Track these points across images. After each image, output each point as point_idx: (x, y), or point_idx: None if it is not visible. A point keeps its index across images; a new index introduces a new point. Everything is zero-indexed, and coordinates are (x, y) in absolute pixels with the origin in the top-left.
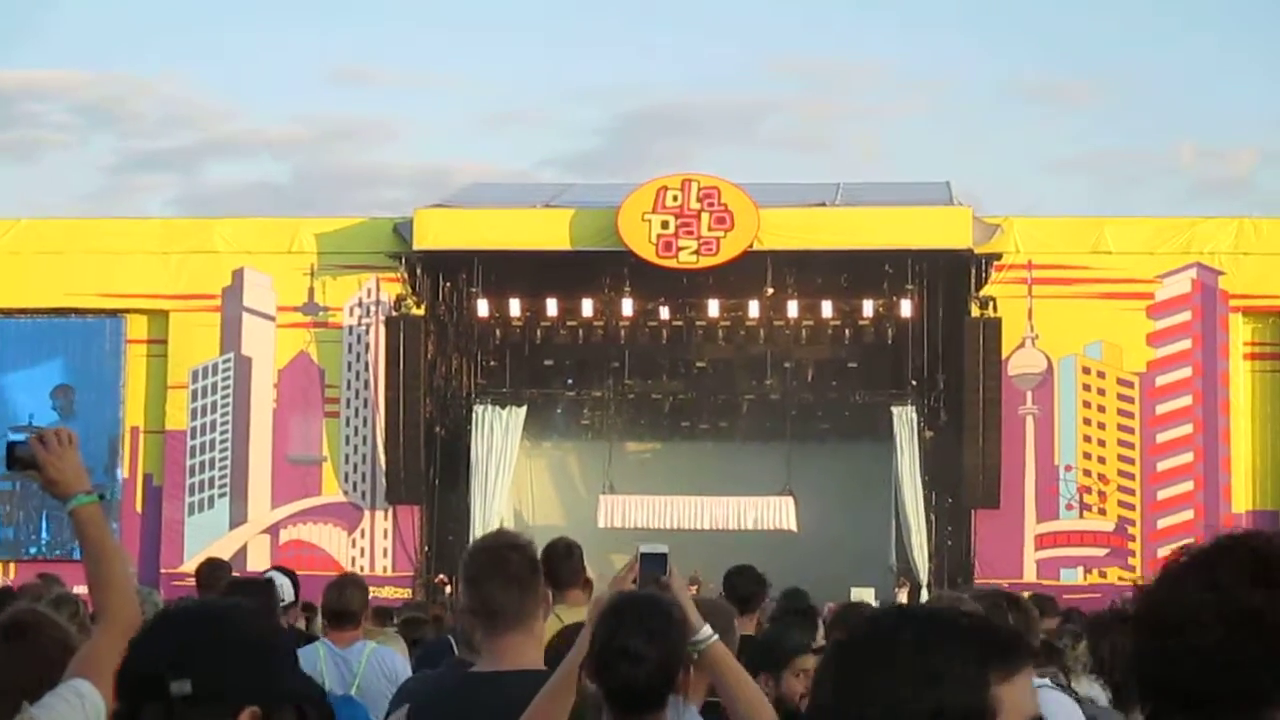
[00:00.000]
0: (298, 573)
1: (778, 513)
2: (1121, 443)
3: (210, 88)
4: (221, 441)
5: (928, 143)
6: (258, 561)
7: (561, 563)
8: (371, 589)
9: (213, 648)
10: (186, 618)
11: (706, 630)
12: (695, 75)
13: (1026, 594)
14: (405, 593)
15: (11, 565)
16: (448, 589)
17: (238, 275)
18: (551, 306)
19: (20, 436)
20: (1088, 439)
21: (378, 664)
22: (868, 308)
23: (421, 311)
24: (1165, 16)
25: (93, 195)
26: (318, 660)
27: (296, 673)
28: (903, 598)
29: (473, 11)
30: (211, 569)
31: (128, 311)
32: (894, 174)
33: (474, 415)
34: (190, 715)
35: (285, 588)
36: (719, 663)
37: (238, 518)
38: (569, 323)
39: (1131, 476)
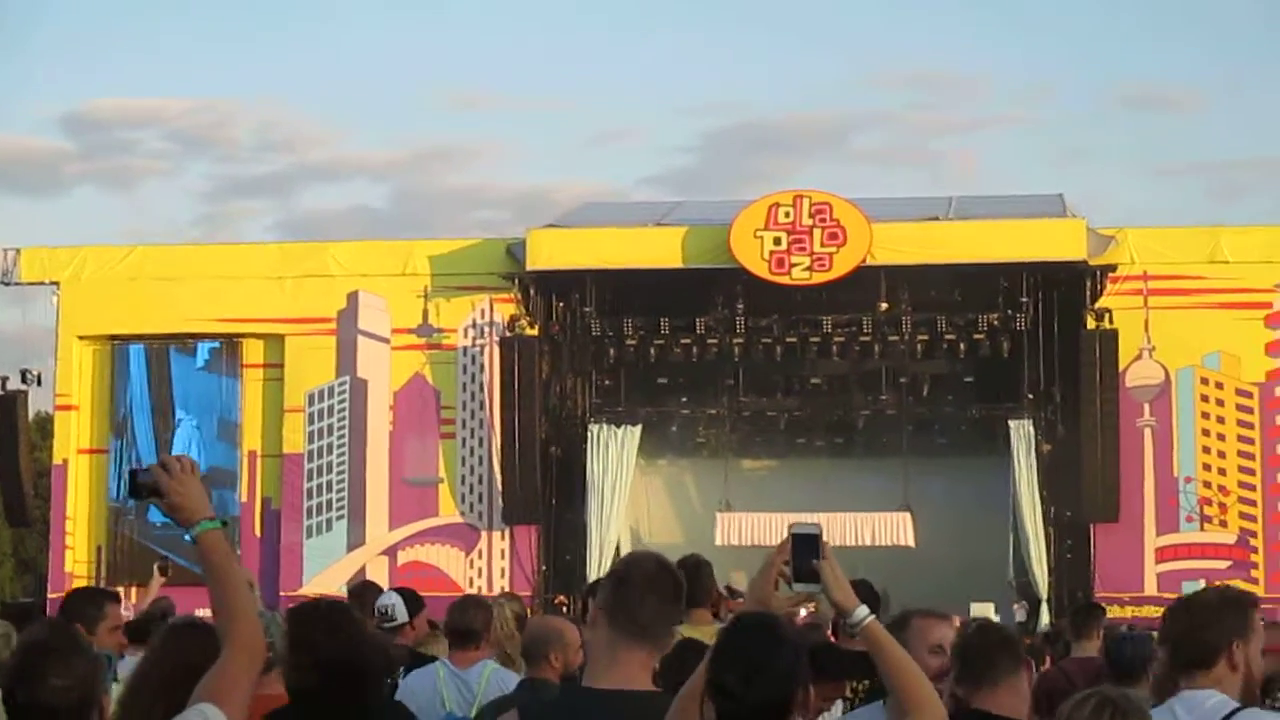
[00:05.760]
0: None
1: (895, 529)
2: (1242, 454)
3: (304, 112)
4: (339, 464)
5: (1033, 154)
6: (377, 583)
7: (690, 581)
8: None
9: None
10: None
11: (862, 611)
12: (789, 91)
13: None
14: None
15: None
16: (565, 609)
17: (352, 298)
18: (665, 325)
19: (144, 465)
20: (1207, 450)
21: (498, 684)
22: (982, 321)
23: (535, 331)
24: (1260, 24)
25: (191, 222)
26: (437, 680)
27: None
28: (1021, 615)
29: (563, 34)
30: (362, 589)
31: (244, 336)
32: (998, 187)
33: (589, 434)
34: None
35: (397, 607)
36: (877, 641)
37: (356, 540)
38: (683, 340)
39: (1252, 488)
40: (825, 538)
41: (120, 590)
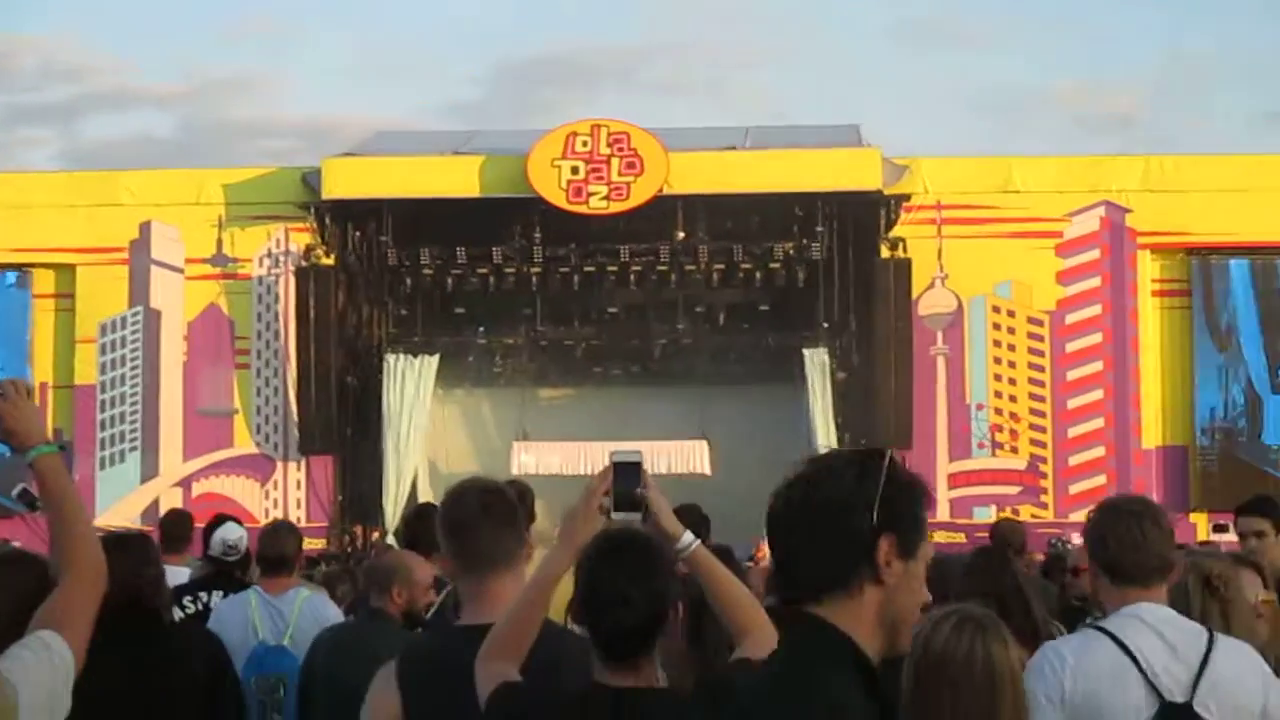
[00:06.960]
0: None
1: (692, 456)
2: (1032, 381)
3: (89, 42)
4: (132, 395)
5: (826, 85)
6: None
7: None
8: None
9: None
10: None
11: (688, 537)
12: (578, 20)
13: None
14: (320, 543)
15: None
16: (358, 540)
17: (145, 228)
18: (462, 254)
19: None
20: (998, 378)
21: (311, 612)
22: (778, 250)
23: (331, 261)
24: None
25: None
26: (249, 608)
27: None
28: None
29: None
30: (179, 518)
31: (34, 266)
32: (795, 118)
33: (386, 364)
34: None
35: (244, 540)
36: (704, 566)
37: (149, 471)
38: (480, 270)
39: (1043, 414)
40: (645, 465)
41: None
